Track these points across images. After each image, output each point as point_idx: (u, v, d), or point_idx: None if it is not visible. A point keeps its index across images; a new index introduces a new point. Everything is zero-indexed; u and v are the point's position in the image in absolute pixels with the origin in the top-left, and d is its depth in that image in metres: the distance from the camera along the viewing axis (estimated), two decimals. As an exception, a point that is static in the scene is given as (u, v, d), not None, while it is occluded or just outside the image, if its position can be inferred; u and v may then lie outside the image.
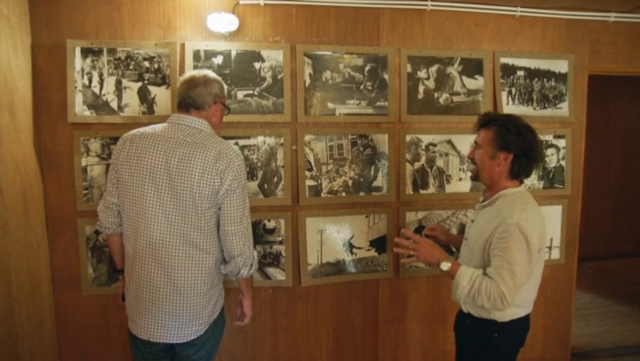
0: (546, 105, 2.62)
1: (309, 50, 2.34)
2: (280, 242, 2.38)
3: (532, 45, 2.60)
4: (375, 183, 2.46)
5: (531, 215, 1.53)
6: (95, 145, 2.20)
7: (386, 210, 2.48)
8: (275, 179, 2.35)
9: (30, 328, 2.02)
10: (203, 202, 1.52)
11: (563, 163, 2.67)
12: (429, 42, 2.48)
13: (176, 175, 1.50)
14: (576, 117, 2.67)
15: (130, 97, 2.20)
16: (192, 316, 1.58)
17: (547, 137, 2.63)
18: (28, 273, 2.02)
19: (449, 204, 2.56)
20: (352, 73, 2.39)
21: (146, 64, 2.20)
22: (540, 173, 2.65)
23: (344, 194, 2.42)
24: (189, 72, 1.70)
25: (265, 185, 2.34)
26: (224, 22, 2.18)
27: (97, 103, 2.18)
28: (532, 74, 2.60)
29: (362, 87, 2.41)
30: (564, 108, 2.65)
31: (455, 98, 2.52)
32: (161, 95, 2.22)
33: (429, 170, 2.52)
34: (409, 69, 2.46)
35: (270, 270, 2.39)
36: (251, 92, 2.29)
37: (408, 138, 2.47)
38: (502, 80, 2.56)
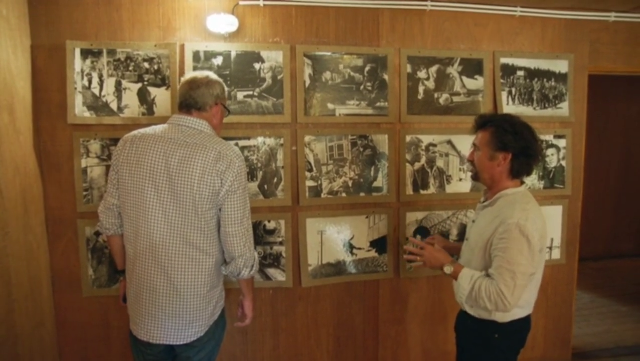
0: (546, 105, 2.62)
1: (308, 50, 2.33)
2: (281, 243, 2.38)
3: (532, 45, 2.60)
4: (375, 184, 2.46)
5: (531, 215, 1.52)
6: (95, 146, 2.19)
7: (386, 210, 2.48)
8: (275, 180, 2.35)
9: (30, 329, 2.02)
10: (203, 203, 1.52)
11: (563, 163, 2.66)
12: (428, 42, 2.48)
13: (176, 176, 1.50)
14: (576, 117, 2.67)
15: (130, 98, 2.20)
16: (192, 318, 1.57)
17: (547, 137, 2.63)
18: (28, 274, 2.02)
19: (449, 204, 2.56)
20: (351, 73, 2.39)
21: (146, 64, 2.20)
22: (541, 173, 2.64)
23: (344, 195, 2.42)
24: (191, 73, 1.69)
25: (265, 186, 2.34)
26: (224, 22, 2.18)
27: (96, 105, 2.18)
28: (532, 73, 2.59)
29: (362, 87, 2.40)
30: (564, 108, 2.64)
31: (455, 99, 2.51)
32: (161, 96, 2.22)
33: (429, 170, 2.51)
34: (408, 69, 2.45)
35: (271, 271, 2.39)
36: (251, 92, 2.29)
37: (408, 138, 2.47)
38: (502, 80, 2.56)
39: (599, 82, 3.33)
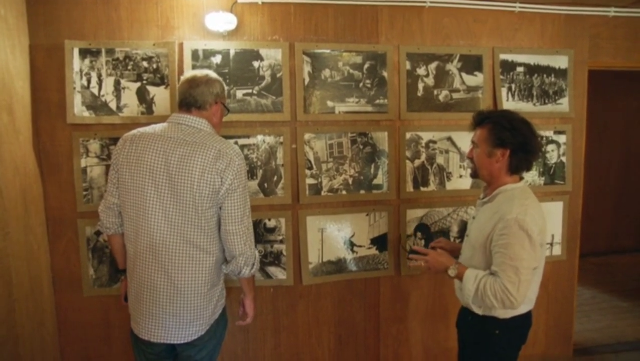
0: (546, 101, 2.62)
1: (307, 48, 2.33)
2: (281, 241, 2.38)
3: (532, 40, 2.59)
4: (375, 181, 2.46)
5: (530, 210, 1.52)
6: (94, 145, 2.19)
7: (387, 207, 2.47)
8: (275, 178, 2.34)
9: (31, 330, 2.02)
10: (203, 202, 1.52)
11: (563, 159, 2.66)
12: (428, 39, 2.48)
13: (176, 174, 1.50)
14: (576, 113, 2.66)
15: (129, 97, 2.20)
16: (192, 317, 1.57)
17: (548, 133, 2.62)
18: (28, 275, 2.02)
19: (450, 201, 2.55)
20: (351, 71, 2.38)
21: (144, 64, 2.20)
22: (541, 170, 2.64)
23: (344, 192, 2.42)
24: (190, 72, 1.69)
25: (265, 184, 2.34)
26: (222, 21, 2.17)
27: (95, 104, 2.17)
28: (531, 69, 2.59)
29: (361, 84, 2.40)
30: (564, 104, 2.64)
31: (455, 95, 2.51)
32: (160, 95, 2.21)
33: (429, 167, 2.51)
34: (408, 66, 2.45)
35: (271, 269, 2.39)
36: (250, 91, 2.29)
37: (408, 135, 2.47)
38: (501, 77, 2.55)
39: (599, 78, 3.32)
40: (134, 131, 1.62)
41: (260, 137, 2.32)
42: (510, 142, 1.57)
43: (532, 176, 2.62)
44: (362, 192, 2.44)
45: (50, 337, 2.21)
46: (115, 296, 2.24)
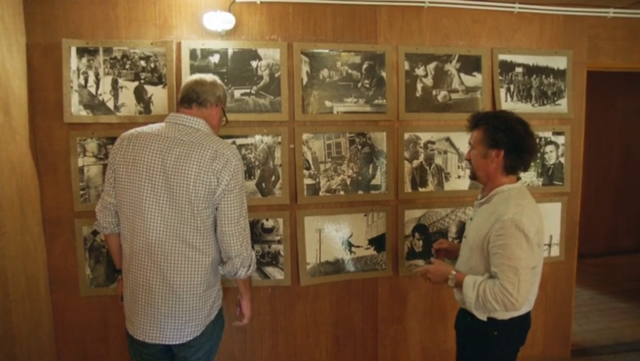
0: (545, 102, 2.61)
1: (306, 48, 2.32)
2: (279, 241, 2.37)
3: (531, 41, 2.59)
4: (373, 182, 2.45)
5: (527, 210, 1.52)
6: (91, 145, 2.18)
7: (385, 208, 2.47)
8: (273, 178, 2.34)
9: (27, 330, 2.01)
10: (199, 202, 1.51)
11: (562, 160, 2.66)
12: (426, 39, 2.47)
13: (172, 174, 1.49)
14: (575, 114, 2.66)
15: (127, 96, 2.19)
16: (188, 318, 1.57)
17: (546, 134, 2.62)
18: (25, 275, 2.01)
19: (448, 202, 2.55)
20: (349, 71, 2.38)
21: (142, 63, 2.19)
22: (540, 170, 2.64)
23: (342, 193, 2.41)
24: (197, 75, 1.73)
25: (263, 184, 2.33)
26: (220, 20, 2.16)
27: (93, 103, 2.17)
28: (530, 70, 2.58)
29: (359, 85, 2.39)
30: (562, 105, 2.64)
31: (454, 96, 2.50)
32: (158, 95, 2.20)
33: (427, 168, 2.51)
34: (406, 66, 2.44)
35: (269, 270, 2.38)
36: (248, 90, 2.28)
37: (406, 136, 2.46)
38: (500, 77, 2.55)
39: (598, 79, 3.32)
40: (132, 130, 1.61)
41: (258, 137, 2.31)
42: (504, 142, 1.57)
43: (530, 177, 2.62)
44: (360, 192, 2.44)
45: (47, 337, 2.20)
46: (113, 296, 2.23)
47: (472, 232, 1.67)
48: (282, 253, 2.38)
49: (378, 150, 2.44)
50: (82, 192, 2.18)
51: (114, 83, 2.18)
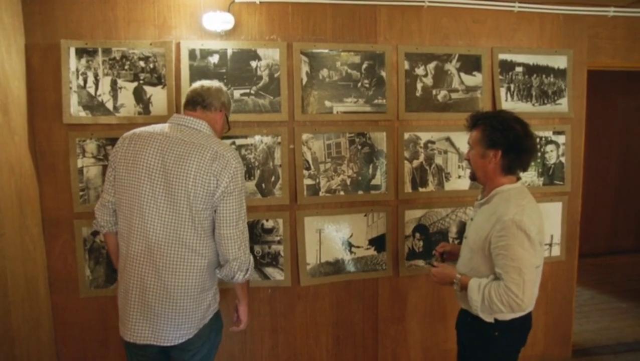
0: (545, 102, 2.61)
1: (305, 48, 2.32)
2: (279, 242, 2.37)
3: (531, 40, 2.58)
4: (373, 182, 2.44)
5: (527, 210, 1.51)
6: (91, 146, 2.18)
7: (385, 208, 2.46)
8: (273, 178, 2.33)
9: (27, 331, 2.00)
10: (197, 202, 1.50)
11: (563, 159, 2.65)
12: (426, 39, 2.47)
13: (172, 173, 1.49)
14: (575, 113, 2.66)
15: (126, 97, 2.18)
16: (181, 319, 1.54)
17: (547, 133, 2.61)
18: (24, 276, 2.00)
19: (448, 202, 2.54)
20: (349, 71, 2.37)
21: (141, 63, 2.18)
22: (540, 170, 2.63)
23: (342, 193, 2.41)
24: (204, 81, 1.76)
25: (263, 185, 2.33)
26: (220, 20, 2.16)
27: (92, 104, 2.16)
28: (530, 70, 2.58)
29: (359, 84, 2.39)
30: (563, 105, 2.63)
31: (454, 95, 2.50)
32: (157, 95, 2.20)
33: (427, 167, 2.50)
34: (406, 66, 2.44)
35: (269, 270, 2.37)
36: (248, 91, 2.28)
37: (406, 136, 2.46)
38: (500, 77, 2.54)
39: (598, 78, 3.32)
40: (134, 130, 1.61)
41: (258, 137, 2.31)
42: (501, 142, 1.57)
43: (531, 176, 2.61)
44: (360, 192, 2.43)
45: (47, 338, 2.19)
46: (112, 297, 2.23)
47: (473, 232, 1.67)
48: (282, 253, 2.37)
49: (378, 150, 2.43)
50: (81, 193, 2.18)
51: (113, 84, 2.17)
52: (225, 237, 1.55)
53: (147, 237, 1.51)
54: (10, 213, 1.91)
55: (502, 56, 2.54)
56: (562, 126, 2.64)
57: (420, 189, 2.50)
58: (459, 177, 2.54)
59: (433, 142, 2.49)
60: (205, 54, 2.23)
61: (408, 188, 2.48)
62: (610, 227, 5.28)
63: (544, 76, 2.60)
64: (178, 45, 2.21)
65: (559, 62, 2.61)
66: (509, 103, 2.55)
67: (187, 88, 2.19)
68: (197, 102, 1.65)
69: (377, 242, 2.48)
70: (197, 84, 1.71)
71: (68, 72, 2.12)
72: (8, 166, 1.91)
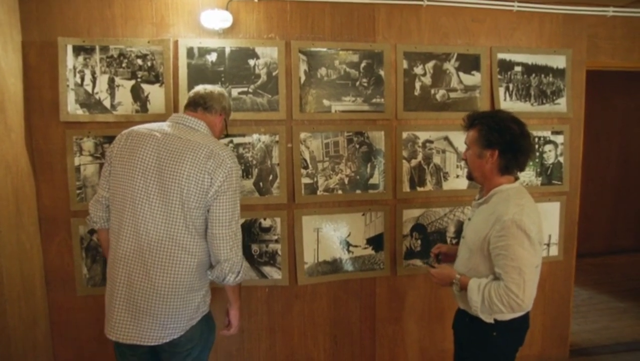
0: (544, 101, 2.60)
1: (304, 46, 2.31)
2: (276, 241, 2.36)
3: (530, 40, 2.58)
4: (371, 181, 2.44)
5: (526, 209, 1.51)
6: (88, 144, 2.17)
7: (383, 207, 2.46)
8: (271, 177, 2.33)
9: (23, 330, 2.00)
10: (190, 200, 1.49)
11: (561, 159, 2.65)
12: (425, 38, 2.46)
13: (166, 170, 1.48)
14: (574, 113, 2.65)
15: (123, 95, 2.18)
16: (167, 319, 1.51)
17: (545, 133, 2.61)
18: (21, 274, 2.00)
19: (447, 201, 2.54)
20: (347, 69, 2.37)
21: (139, 61, 2.18)
22: (539, 170, 2.63)
23: (340, 192, 2.40)
24: (206, 85, 1.79)
25: (261, 184, 2.32)
26: (218, 18, 2.15)
27: (89, 102, 2.15)
28: (529, 69, 2.57)
29: (357, 83, 2.38)
30: (562, 104, 2.63)
31: (452, 95, 2.49)
32: (154, 93, 2.19)
33: (425, 167, 2.50)
34: (405, 65, 2.43)
35: (267, 269, 2.37)
36: (246, 89, 2.27)
37: (404, 135, 2.45)
38: (499, 76, 2.54)
39: (597, 78, 3.31)
40: (133, 127, 1.61)
41: (255, 136, 2.30)
42: (498, 142, 1.56)
43: (529, 176, 2.61)
44: (358, 191, 2.43)
45: (43, 337, 2.19)
46: (109, 296, 2.22)
47: (471, 232, 1.66)
48: (279, 252, 2.37)
49: (376, 149, 2.42)
50: (78, 191, 2.17)
51: (111, 81, 2.16)
52: (218, 237, 1.53)
53: (138, 233, 1.49)
54: (6, 211, 1.90)
55: (501, 55, 2.53)
56: (560, 126, 2.63)
57: (418, 188, 2.50)
58: (457, 176, 2.53)
59: (431, 142, 2.49)
60: (203, 52, 2.22)
61: (406, 187, 2.48)
62: (610, 227, 5.29)
63: (542, 76, 2.59)
64: (176, 43, 2.21)
65: (558, 61, 2.60)
66: (508, 103, 2.54)
67: (184, 86, 2.19)
68: (198, 104, 1.66)
69: (375, 241, 2.47)
70: (200, 87, 1.72)
71: (65, 69, 2.11)
72: (4, 164, 1.90)
